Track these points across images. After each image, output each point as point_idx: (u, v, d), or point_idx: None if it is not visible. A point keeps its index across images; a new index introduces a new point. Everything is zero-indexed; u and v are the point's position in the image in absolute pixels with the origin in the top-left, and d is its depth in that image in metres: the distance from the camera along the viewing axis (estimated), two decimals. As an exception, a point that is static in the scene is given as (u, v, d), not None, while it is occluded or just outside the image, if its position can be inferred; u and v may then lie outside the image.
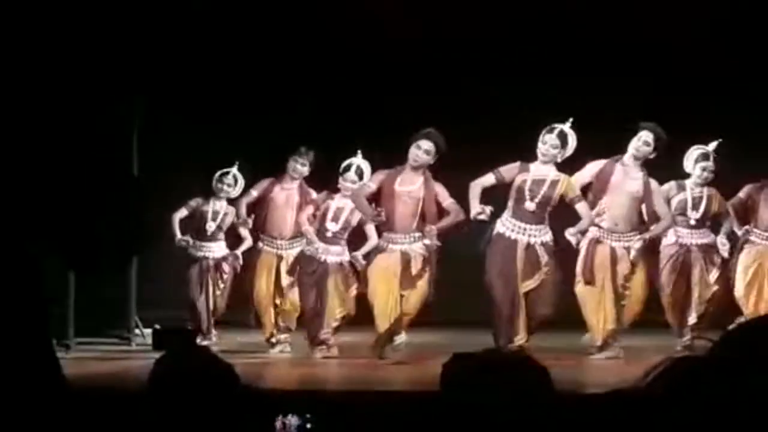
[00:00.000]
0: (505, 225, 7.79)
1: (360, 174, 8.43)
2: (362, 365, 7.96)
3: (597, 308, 7.86)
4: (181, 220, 9.35)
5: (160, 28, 9.49)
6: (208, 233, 9.27)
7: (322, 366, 8.03)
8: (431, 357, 7.42)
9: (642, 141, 7.96)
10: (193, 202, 9.35)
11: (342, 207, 8.44)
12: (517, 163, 7.83)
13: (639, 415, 1.47)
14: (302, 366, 8.10)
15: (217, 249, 9.34)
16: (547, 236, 7.79)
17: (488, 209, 7.69)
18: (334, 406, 5.42)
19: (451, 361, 2.13)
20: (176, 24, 9.53)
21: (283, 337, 8.81)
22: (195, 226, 9.34)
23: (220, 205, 9.30)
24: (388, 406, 5.60)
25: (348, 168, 8.44)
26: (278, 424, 3.84)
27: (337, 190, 8.53)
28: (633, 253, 7.93)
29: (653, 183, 8.07)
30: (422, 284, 7.99)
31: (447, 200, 8.00)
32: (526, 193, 7.73)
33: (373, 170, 8.38)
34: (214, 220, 9.27)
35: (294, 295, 8.69)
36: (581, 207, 7.83)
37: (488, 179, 7.85)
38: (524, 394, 1.98)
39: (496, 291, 7.71)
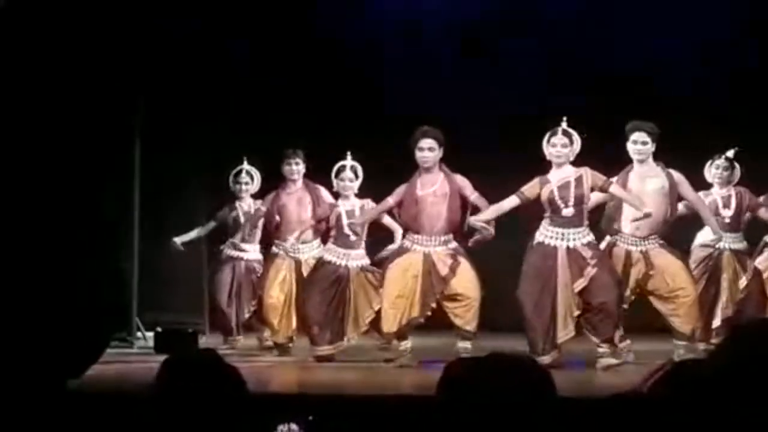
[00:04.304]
0: (544, 234, 7.71)
1: (355, 173, 8.47)
2: (365, 369, 7.96)
3: None
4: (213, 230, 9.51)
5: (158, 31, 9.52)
6: (243, 235, 9.35)
7: (326, 370, 8.01)
8: (436, 360, 7.43)
9: (640, 142, 7.88)
10: (221, 213, 9.45)
11: (351, 210, 8.46)
12: (536, 180, 7.74)
13: (641, 418, 1.46)
14: (306, 370, 8.09)
15: (252, 251, 9.38)
16: (589, 237, 7.68)
17: (491, 230, 7.71)
18: (336, 410, 5.42)
19: (454, 363, 2.13)
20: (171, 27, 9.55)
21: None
22: (230, 232, 9.39)
23: (247, 205, 9.36)
24: (391, 409, 5.59)
25: (342, 168, 8.47)
26: (281, 428, 3.84)
27: (335, 196, 8.55)
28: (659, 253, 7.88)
29: (675, 174, 7.95)
30: (464, 274, 7.93)
31: (473, 194, 7.99)
32: (559, 201, 7.64)
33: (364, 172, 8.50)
34: (248, 221, 9.33)
35: None
36: (615, 189, 7.74)
37: (512, 201, 7.76)
38: (527, 397, 1.98)
39: (533, 304, 7.59)
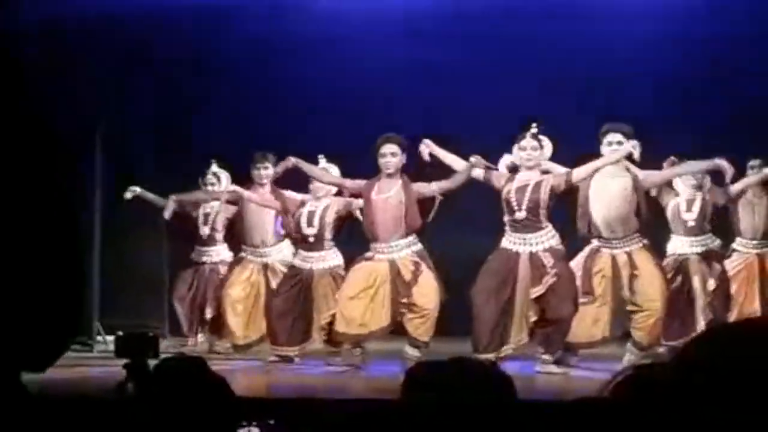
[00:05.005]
0: (508, 239, 7.75)
1: None
2: (327, 372, 7.96)
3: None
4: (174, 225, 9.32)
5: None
6: (203, 237, 9.25)
7: (287, 373, 8.01)
8: (391, 365, 7.44)
9: (615, 143, 7.84)
10: (186, 203, 9.24)
11: (314, 210, 8.43)
12: (508, 174, 7.79)
13: (603, 423, 1.47)
14: (267, 373, 8.08)
15: (216, 253, 9.29)
16: (552, 240, 7.67)
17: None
18: (298, 413, 5.41)
19: (416, 367, 2.13)
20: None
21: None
22: (190, 231, 9.30)
23: (209, 207, 9.26)
24: (353, 412, 5.58)
25: None
26: None
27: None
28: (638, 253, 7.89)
29: (637, 170, 7.93)
30: (425, 283, 7.91)
31: (432, 186, 7.98)
32: (513, 203, 7.68)
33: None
34: (205, 223, 9.25)
35: None
36: (579, 172, 7.72)
37: (476, 170, 7.83)
38: (488, 400, 1.98)
39: (484, 298, 7.61)
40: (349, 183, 8.21)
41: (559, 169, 7.86)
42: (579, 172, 7.76)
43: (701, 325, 8.31)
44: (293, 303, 8.32)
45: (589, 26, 9.58)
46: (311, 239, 8.39)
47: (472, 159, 7.84)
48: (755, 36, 9.39)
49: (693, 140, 8.76)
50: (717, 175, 8.56)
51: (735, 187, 8.55)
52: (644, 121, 8.17)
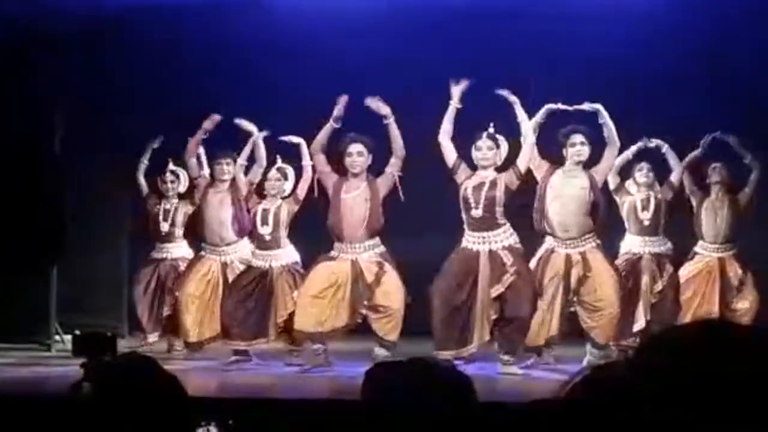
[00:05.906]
0: (467, 239, 7.81)
1: (284, 174, 8.46)
2: (283, 372, 7.95)
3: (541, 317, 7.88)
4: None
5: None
6: (163, 234, 9.23)
7: (244, 373, 7.99)
8: (353, 365, 7.43)
9: (578, 144, 7.94)
10: (150, 200, 9.25)
11: (268, 208, 8.44)
12: (470, 171, 7.86)
13: (558, 424, 1.48)
14: (225, 373, 8.05)
15: (176, 250, 9.26)
16: (511, 239, 7.76)
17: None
18: (255, 414, 5.41)
19: (375, 368, 2.14)
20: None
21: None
22: (149, 228, 9.27)
23: (170, 204, 9.25)
24: (310, 413, 5.59)
25: (270, 169, 8.46)
26: None
27: (263, 196, 8.53)
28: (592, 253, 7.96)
29: (595, 170, 8.03)
30: (389, 282, 7.94)
31: (386, 170, 8.01)
32: (471, 201, 7.76)
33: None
34: (165, 220, 9.23)
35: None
36: (523, 156, 7.79)
37: (451, 153, 7.85)
38: (447, 401, 1.99)
39: (441, 298, 7.67)
40: (329, 170, 8.17)
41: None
42: (521, 160, 7.84)
43: (640, 323, 8.40)
44: (247, 297, 8.31)
45: (587, 26, 9.61)
46: (267, 238, 8.40)
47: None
48: (753, 32, 9.45)
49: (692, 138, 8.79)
50: (660, 172, 8.64)
51: (673, 178, 8.68)
52: (643, 119, 8.26)
